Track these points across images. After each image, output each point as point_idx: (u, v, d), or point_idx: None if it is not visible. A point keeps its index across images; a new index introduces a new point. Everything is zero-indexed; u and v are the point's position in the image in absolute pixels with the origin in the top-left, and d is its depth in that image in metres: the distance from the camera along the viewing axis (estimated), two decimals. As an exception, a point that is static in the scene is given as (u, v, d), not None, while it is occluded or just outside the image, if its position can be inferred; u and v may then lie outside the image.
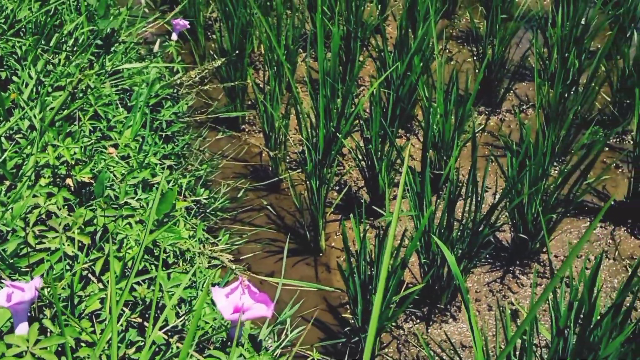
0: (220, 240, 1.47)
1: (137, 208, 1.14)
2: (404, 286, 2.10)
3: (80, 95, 1.46)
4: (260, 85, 2.97)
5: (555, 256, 2.21)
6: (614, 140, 2.70)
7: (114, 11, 2.15)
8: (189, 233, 1.28)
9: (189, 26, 2.15)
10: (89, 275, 0.99)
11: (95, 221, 1.05)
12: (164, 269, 1.10)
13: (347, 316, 2.06)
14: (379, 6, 3.54)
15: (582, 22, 2.80)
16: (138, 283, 1.03)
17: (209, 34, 3.48)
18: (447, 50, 3.38)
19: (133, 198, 1.21)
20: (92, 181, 1.16)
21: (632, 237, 2.26)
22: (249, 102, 2.95)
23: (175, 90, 2.21)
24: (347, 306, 2.09)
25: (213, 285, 0.89)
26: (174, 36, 2.15)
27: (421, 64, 2.53)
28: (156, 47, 2.18)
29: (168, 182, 1.88)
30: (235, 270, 1.14)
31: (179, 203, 1.19)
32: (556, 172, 2.52)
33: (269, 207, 2.43)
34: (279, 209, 2.45)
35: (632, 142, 2.51)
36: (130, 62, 2.06)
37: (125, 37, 1.98)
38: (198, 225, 1.23)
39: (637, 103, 2.12)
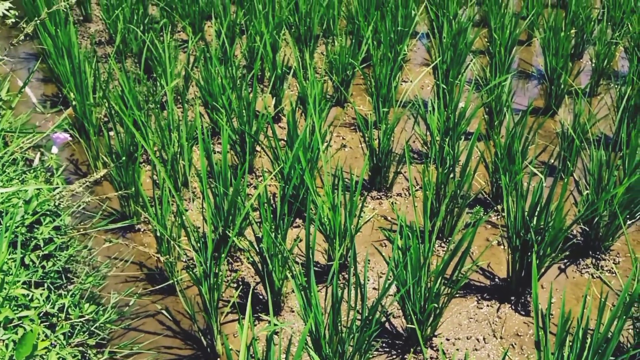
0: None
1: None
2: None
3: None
4: (156, 180, 2.97)
5: (446, 339, 2.28)
6: (496, 217, 2.86)
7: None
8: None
9: (70, 138, 2.15)
10: None
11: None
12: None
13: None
14: (274, 98, 3.67)
15: (461, 105, 3.02)
16: None
17: (104, 130, 3.46)
18: (341, 137, 3.52)
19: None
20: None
21: (517, 314, 2.37)
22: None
23: (57, 203, 2.17)
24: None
25: None
26: (55, 149, 2.14)
27: (308, 158, 2.62)
28: (36, 161, 2.15)
29: (47, 300, 1.82)
30: None
31: (41, 343, 1.16)
32: (444, 251, 2.63)
33: (164, 311, 2.39)
34: (175, 313, 2.41)
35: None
36: (8, 178, 2.02)
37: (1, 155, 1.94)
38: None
39: (504, 188, 2.28)
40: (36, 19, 1.89)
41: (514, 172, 2.54)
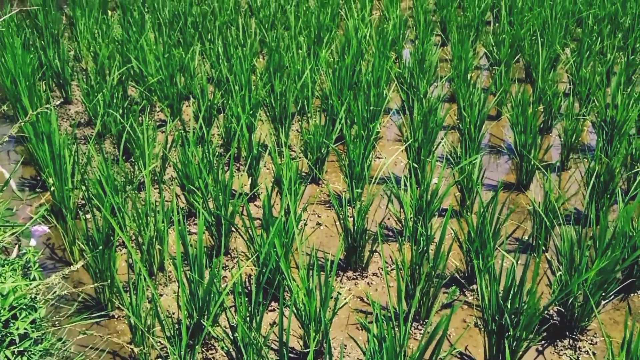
0: None
1: None
2: None
3: None
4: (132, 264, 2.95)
5: None
6: (472, 297, 2.88)
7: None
8: None
9: (48, 230, 2.16)
10: None
11: None
12: None
13: None
14: (250, 178, 3.72)
15: (434, 181, 3.09)
16: None
17: (81, 214, 3.46)
18: (317, 215, 3.56)
19: None
20: None
21: (495, 398, 2.36)
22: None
23: (33, 297, 2.16)
24: None
25: None
26: (33, 242, 2.14)
27: (284, 241, 2.64)
28: (14, 254, 2.15)
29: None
30: None
31: None
32: (421, 334, 2.63)
33: (138, 404, 2.34)
34: (150, 405, 2.36)
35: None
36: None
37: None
38: None
39: (477, 273, 2.32)
40: (20, 121, 1.94)
41: (486, 255, 2.58)
